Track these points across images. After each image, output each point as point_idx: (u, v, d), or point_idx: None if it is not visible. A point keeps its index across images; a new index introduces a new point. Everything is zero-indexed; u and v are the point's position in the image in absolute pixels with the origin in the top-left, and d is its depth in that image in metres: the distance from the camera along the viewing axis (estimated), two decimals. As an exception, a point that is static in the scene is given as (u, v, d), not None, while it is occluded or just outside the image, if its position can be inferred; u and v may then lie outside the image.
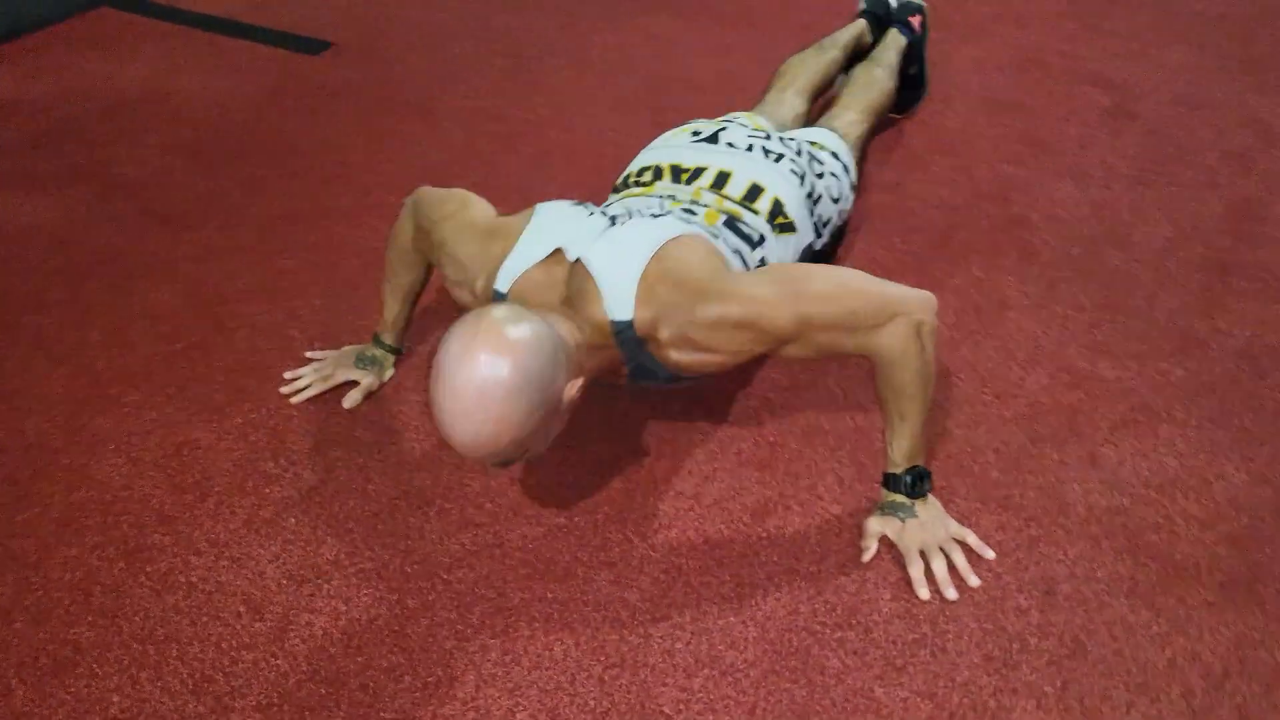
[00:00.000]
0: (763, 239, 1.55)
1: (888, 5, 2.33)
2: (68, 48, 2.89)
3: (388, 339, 1.74)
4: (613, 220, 1.41)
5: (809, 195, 1.68)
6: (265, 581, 1.44)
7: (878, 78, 2.17)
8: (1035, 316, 1.86)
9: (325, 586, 1.44)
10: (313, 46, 2.86)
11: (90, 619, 1.40)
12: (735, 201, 1.57)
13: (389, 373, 1.75)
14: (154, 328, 1.89)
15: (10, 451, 1.64)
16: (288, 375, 1.77)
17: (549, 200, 1.47)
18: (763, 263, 1.53)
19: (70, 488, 1.59)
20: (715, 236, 1.45)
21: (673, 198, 1.57)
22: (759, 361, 1.75)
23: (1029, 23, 2.89)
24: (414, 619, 1.39)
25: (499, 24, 2.98)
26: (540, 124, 2.49)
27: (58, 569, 1.47)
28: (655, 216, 1.43)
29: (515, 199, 1.61)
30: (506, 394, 1.16)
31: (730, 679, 1.31)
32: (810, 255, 1.69)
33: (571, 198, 1.53)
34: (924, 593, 1.39)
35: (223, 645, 1.36)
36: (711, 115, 1.87)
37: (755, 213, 1.57)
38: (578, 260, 1.35)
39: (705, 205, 1.55)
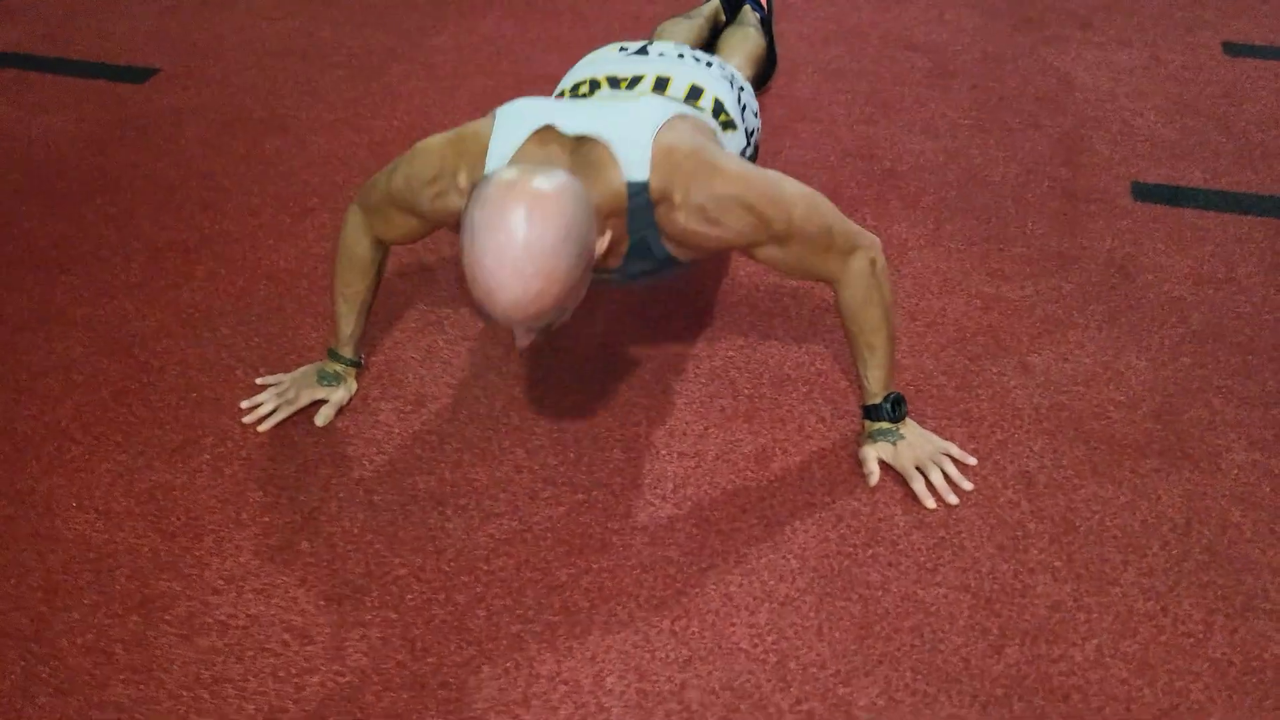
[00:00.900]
0: (714, 134, 1.57)
1: (737, -18, 2.46)
2: None
3: (346, 353, 1.70)
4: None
5: (738, 101, 1.72)
6: (301, 606, 1.40)
7: (750, 34, 2.26)
8: (934, 253, 2.05)
9: (365, 600, 1.41)
10: (135, 75, 2.69)
11: (123, 677, 1.31)
12: (680, 102, 1.57)
13: (353, 386, 1.71)
14: (68, 378, 1.76)
15: (-46, 527, 1.50)
16: (245, 404, 1.69)
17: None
18: None
19: (43, 553, 1.46)
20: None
21: None
22: (717, 319, 1.85)
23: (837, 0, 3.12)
24: (470, 612, 1.39)
25: (327, 38, 2.90)
26: (406, 129, 2.47)
27: (63, 636, 1.36)
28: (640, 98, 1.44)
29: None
30: (553, 246, 1.15)
31: (791, 608, 1.39)
32: None
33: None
34: (930, 503, 1.53)
35: (280, 674, 1.31)
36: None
37: (700, 110, 1.58)
38: (580, 136, 1.35)
39: None
